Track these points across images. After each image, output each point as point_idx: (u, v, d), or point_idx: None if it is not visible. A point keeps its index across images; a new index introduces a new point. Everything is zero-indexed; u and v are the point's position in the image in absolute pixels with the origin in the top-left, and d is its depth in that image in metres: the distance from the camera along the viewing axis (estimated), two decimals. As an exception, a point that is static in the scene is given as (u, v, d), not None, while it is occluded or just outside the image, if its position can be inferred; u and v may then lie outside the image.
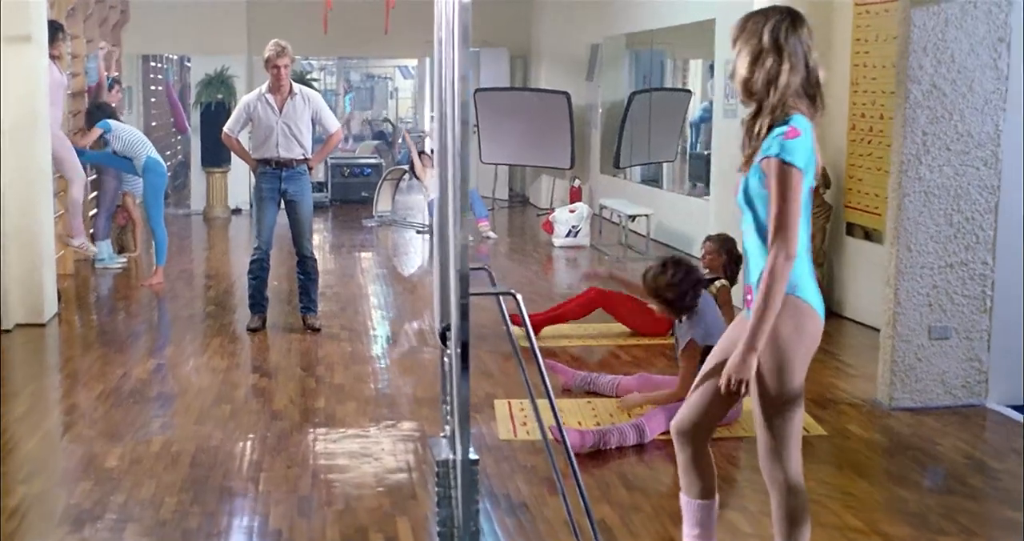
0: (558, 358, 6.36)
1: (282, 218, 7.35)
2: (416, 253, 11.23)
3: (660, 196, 12.04)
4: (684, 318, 5.26)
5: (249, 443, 5.06)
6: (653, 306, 5.33)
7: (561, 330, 7.13)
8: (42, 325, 7.36)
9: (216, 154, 13.03)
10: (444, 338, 3.20)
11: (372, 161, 15.68)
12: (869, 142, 7.42)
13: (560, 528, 4.05)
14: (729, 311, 5.93)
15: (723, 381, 3.12)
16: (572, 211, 11.32)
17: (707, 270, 6.27)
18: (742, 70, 3.16)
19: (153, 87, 15.45)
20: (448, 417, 3.35)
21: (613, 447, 4.93)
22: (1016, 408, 5.56)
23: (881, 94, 7.20)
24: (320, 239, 11.78)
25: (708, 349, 5.04)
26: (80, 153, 8.92)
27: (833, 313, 7.51)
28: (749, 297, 3.20)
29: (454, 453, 3.16)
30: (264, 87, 7.23)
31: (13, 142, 7.24)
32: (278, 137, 7.15)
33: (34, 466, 4.74)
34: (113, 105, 9.99)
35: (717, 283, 6.17)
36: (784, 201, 3.03)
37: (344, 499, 4.39)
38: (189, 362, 6.56)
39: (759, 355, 3.11)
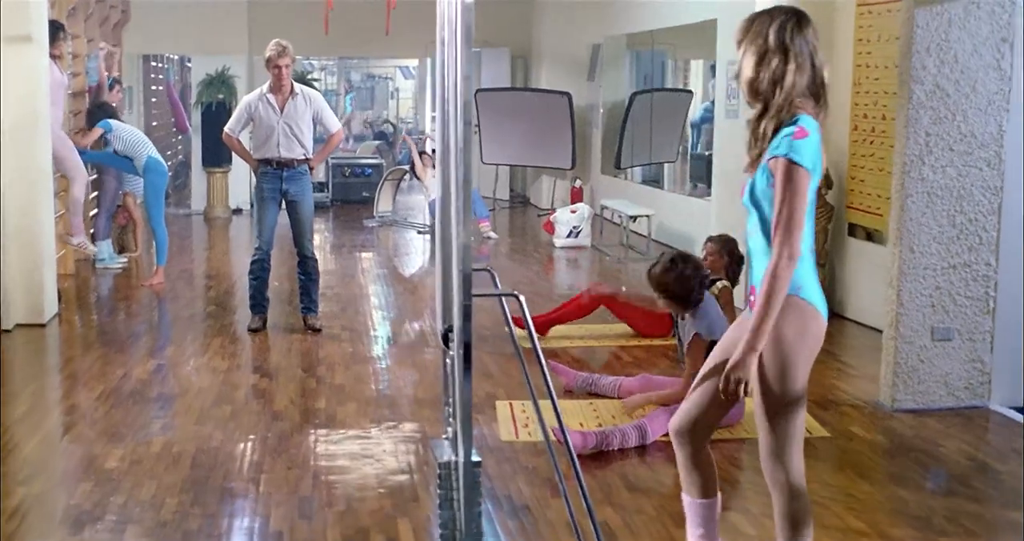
0: (559, 359, 6.35)
1: (283, 218, 7.33)
2: (417, 253, 11.22)
3: (661, 197, 12.03)
4: (687, 315, 5.28)
5: (250, 444, 5.05)
6: (659, 302, 5.34)
7: (562, 331, 7.11)
8: (42, 325, 7.34)
9: (217, 154, 13.02)
10: (446, 339, 3.19)
11: (373, 161, 15.67)
12: (871, 143, 7.40)
13: (562, 530, 4.04)
14: (731, 312, 5.92)
15: (723, 381, 3.11)
16: (573, 211, 11.31)
17: (708, 271, 6.25)
18: (748, 70, 3.15)
19: (154, 87, 15.43)
20: (450, 419, 3.34)
21: (615, 448, 4.92)
22: (1019, 409, 5.55)
23: (883, 95, 7.18)
24: (321, 239, 11.76)
25: (713, 344, 5.07)
26: (81, 153, 8.91)
27: (834, 314, 7.48)
28: (752, 298, 3.18)
29: (456, 455, 3.15)
30: (265, 87, 7.22)
31: (13, 142, 7.23)
32: (279, 137, 7.14)
33: (34, 467, 4.73)
34: (114, 105, 9.99)
35: (719, 284, 6.16)
36: (790, 201, 3.02)
37: (345, 500, 4.37)
38: (190, 362, 6.55)
39: (762, 356, 3.11)
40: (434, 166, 12.20)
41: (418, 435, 5.21)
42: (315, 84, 15.00)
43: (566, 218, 11.24)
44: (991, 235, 5.49)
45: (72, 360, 6.66)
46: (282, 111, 7.14)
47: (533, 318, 6.90)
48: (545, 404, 3.49)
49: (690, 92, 12.84)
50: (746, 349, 3.06)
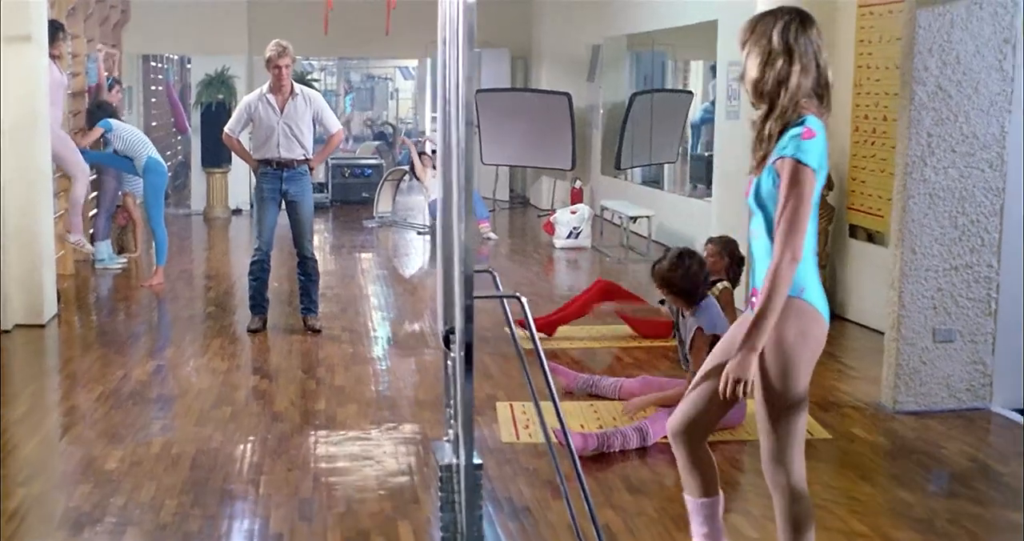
0: (559, 360, 6.33)
1: (283, 219, 7.32)
2: (416, 254, 11.21)
3: (661, 197, 12.02)
4: (688, 313, 5.29)
5: (249, 445, 5.03)
6: (665, 297, 5.39)
7: (563, 332, 7.09)
8: (41, 326, 7.33)
9: (216, 154, 13.00)
10: (448, 341, 3.17)
11: (372, 162, 15.66)
12: (872, 144, 7.39)
13: (563, 532, 4.02)
14: (731, 313, 5.90)
15: (722, 381, 3.09)
16: (573, 212, 11.29)
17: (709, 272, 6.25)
18: (752, 71, 3.14)
19: (153, 87, 15.42)
20: (451, 421, 3.32)
21: (616, 450, 4.91)
22: (1020, 411, 5.54)
23: (884, 96, 7.17)
24: (321, 240, 11.75)
25: (715, 339, 5.07)
26: (81, 153, 8.90)
27: (835, 315, 7.45)
28: (754, 300, 3.17)
29: (457, 457, 3.14)
30: (265, 87, 7.21)
31: (13, 142, 7.21)
32: (279, 137, 7.12)
33: (33, 468, 4.72)
34: (114, 105, 9.97)
35: (719, 285, 6.14)
36: (795, 201, 3.01)
37: (345, 502, 4.36)
38: (189, 363, 6.53)
39: (764, 359, 3.09)
40: (434, 167, 12.28)
41: (418, 436, 5.20)
42: (314, 84, 15.01)
43: (566, 219, 11.23)
44: (993, 236, 5.48)
45: (71, 361, 6.64)
46: (282, 111, 7.13)
47: (541, 318, 6.97)
48: (547, 405, 3.48)
49: (690, 93, 12.83)
50: (746, 349, 3.05)
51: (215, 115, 12.71)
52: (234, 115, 7.42)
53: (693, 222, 10.38)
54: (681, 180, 12.89)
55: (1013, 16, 5.34)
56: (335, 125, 7.46)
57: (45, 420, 5.47)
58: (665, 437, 4.91)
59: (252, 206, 10.28)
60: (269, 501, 4.35)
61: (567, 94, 12.92)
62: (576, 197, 12.69)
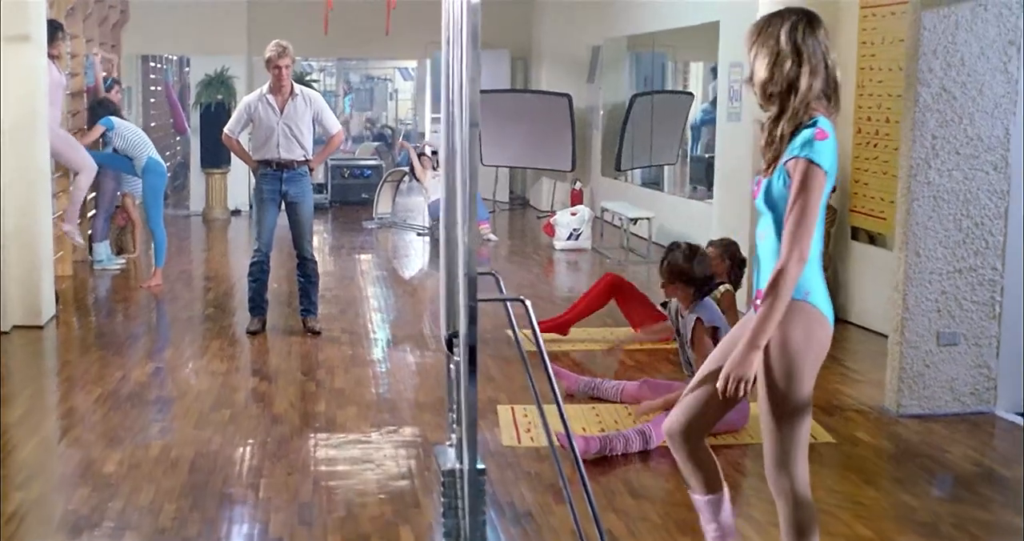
0: (560, 363, 6.31)
1: (282, 220, 7.29)
2: (416, 255, 11.17)
3: (661, 199, 12.00)
4: (686, 312, 5.32)
5: (249, 448, 5.00)
6: (671, 292, 5.42)
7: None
8: (40, 327, 7.29)
9: (216, 155, 12.97)
10: (450, 344, 3.14)
11: (372, 163, 15.64)
12: (875, 146, 7.36)
13: (566, 537, 3.99)
14: (733, 315, 5.87)
15: (722, 380, 3.06)
16: (573, 214, 11.27)
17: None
18: (761, 72, 3.11)
19: (153, 87, 15.39)
20: (454, 425, 3.29)
21: (618, 453, 4.88)
22: (1024, 415, 5.52)
23: (887, 97, 7.14)
24: (320, 241, 11.72)
25: (715, 330, 5.07)
26: (82, 152, 8.87)
27: (837, 318, 7.42)
28: (758, 302, 3.13)
29: (460, 462, 3.10)
30: (265, 88, 7.18)
31: (13, 142, 7.19)
32: (279, 138, 7.09)
33: (31, 471, 4.68)
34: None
35: (721, 288, 6.11)
36: (805, 202, 2.99)
37: (346, 506, 4.33)
38: (188, 365, 6.50)
39: (768, 362, 3.07)
40: (434, 168, 12.26)
41: (419, 440, 5.16)
42: (314, 85, 14.96)
43: (566, 220, 11.21)
44: (997, 239, 5.45)
45: (70, 362, 6.61)
46: (282, 112, 7.10)
47: (552, 320, 6.94)
48: (549, 409, 3.44)
49: (690, 94, 12.80)
50: (748, 347, 3.03)
51: (214, 116, 12.68)
52: (234, 116, 7.40)
53: (693, 223, 10.35)
54: (681, 182, 12.87)
55: (1018, 18, 5.32)
56: (335, 126, 7.44)
57: (43, 422, 5.44)
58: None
59: (251, 207, 10.23)
60: (268, 505, 4.32)
61: (567, 95, 12.90)
62: (576, 198, 12.66)
